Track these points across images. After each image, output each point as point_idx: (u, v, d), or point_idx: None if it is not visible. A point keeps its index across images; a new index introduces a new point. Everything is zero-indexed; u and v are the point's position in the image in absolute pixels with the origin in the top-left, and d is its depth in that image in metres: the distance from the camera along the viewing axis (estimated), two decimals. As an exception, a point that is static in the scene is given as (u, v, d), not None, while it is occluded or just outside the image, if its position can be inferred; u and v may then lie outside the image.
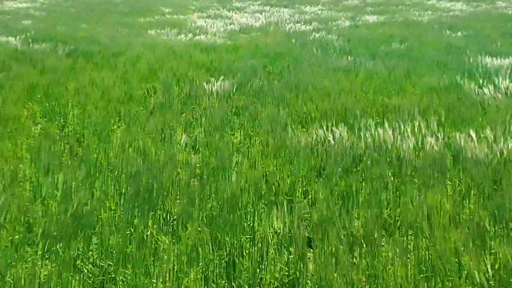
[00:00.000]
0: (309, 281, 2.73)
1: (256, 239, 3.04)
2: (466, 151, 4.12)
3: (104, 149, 4.34)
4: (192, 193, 3.52)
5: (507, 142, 4.20)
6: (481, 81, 6.33)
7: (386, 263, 2.78)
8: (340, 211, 3.30)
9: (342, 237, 2.99)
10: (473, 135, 4.31)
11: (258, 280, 2.75)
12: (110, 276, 2.76)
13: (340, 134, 4.56)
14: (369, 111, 5.38)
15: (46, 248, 2.92)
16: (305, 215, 3.35)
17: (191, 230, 3.10)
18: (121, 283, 2.70)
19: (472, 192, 3.55)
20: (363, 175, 3.87)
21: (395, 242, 2.95)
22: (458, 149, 4.20)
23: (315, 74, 7.24)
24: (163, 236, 3.11)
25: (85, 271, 2.78)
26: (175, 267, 2.76)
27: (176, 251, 2.90)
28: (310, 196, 3.60)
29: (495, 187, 3.61)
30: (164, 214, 3.34)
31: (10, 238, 2.98)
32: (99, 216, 3.26)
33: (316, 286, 2.67)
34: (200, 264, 2.82)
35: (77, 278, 2.70)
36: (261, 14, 16.72)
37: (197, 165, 4.13)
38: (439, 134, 4.56)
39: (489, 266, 2.72)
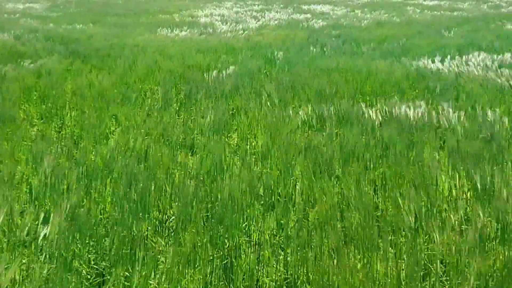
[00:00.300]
0: (307, 283, 2.73)
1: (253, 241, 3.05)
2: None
3: (101, 150, 4.33)
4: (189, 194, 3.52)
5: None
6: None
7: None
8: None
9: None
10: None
11: (256, 282, 2.75)
12: (106, 277, 2.75)
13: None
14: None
15: (42, 249, 2.91)
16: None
17: (188, 232, 3.09)
18: (117, 284, 2.69)
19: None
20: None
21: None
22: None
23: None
24: (159, 238, 3.11)
25: (82, 272, 2.78)
26: (173, 268, 2.76)
27: (173, 253, 2.89)
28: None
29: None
30: (160, 215, 3.34)
31: (6, 240, 2.97)
32: (95, 217, 3.26)
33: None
34: (198, 266, 2.82)
35: (74, 280, 2.69)
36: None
37: (194, 166, 4.12)
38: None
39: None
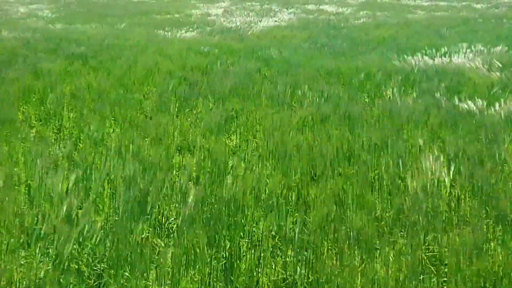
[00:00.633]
0: (306, 284, 2.73)
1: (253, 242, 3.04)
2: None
3: (100, 152, 4.33)
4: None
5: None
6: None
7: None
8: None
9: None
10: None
11: (255, 283, 2.75)
12: (106, 279, 2.74)
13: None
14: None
15: (41, 251, 2.90)
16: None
17: (188, 233, 3.08)
18: (117, 286, 2.69)
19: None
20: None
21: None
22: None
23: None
24: (158, 239, 3.10)
25: (81, 274, 2.77)
26: (172, 269, 2.75)
27: (172, 254, 2.89)
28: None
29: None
30: (160, 217, 3.33)
31: (6, 241, 2.96)
32: (94, 219, 3.25)
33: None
34: (197, 266, 2.81)
35: (73, 281, 2.68)
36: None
37: (193, 168, 4.12)
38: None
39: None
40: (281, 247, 3.02)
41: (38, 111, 5.62)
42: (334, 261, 2.82)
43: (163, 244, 3.06)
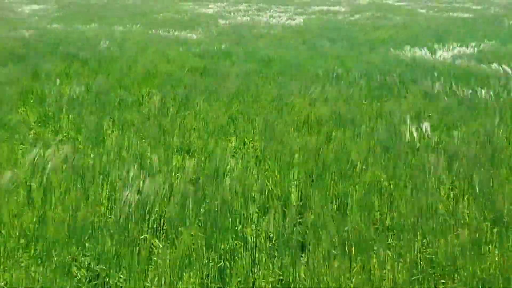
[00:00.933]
0: (301, 286, 2.74)
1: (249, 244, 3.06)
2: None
3: (98, 153, 4.34)
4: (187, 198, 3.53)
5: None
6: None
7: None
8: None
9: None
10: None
11: (251, 285, 2.76)
12: (104, 280, 2.76)
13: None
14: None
15: (40, 253, 2.92)
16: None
17: (185, 235, 3.10)
18: (115, 287, 2.70)
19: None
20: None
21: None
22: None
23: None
24: (157, 241, 3.11)
25: (79, 275, 2.78)
26: (170, 271, 2.76)
27: (170, 255, 2.90)
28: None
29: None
30: (158, 218, 3.34)
31: (4, 243, 2.97)
32: (93, 221, 3.26)
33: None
34: (194, 268, 2.83)
35: (71, 283, 2.70)
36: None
37: (192, 170, 4.12)
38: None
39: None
40: (278, 249, 3.02)
41: (36, 113, 5.63)
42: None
43: (161, 246, 3.07)
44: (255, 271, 2.84)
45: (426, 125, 4.85)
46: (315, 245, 2.93)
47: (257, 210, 3.46)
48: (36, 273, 2.73)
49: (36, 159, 4.04)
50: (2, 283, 2.69)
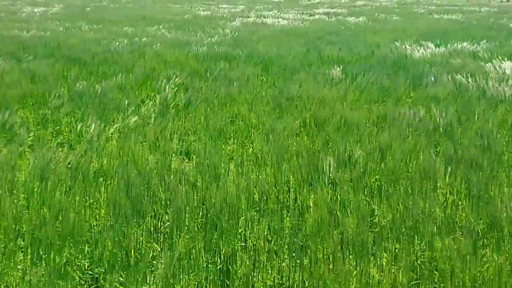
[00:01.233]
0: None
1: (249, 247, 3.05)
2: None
3: (97, 157, 4.34)
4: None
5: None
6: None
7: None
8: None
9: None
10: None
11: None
12: (101, 283, 2.75)
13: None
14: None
15: (37, 255, 2.91)
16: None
17: (183, 238, 3.09)
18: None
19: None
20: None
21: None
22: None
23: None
24: (154, 244, 3.11)
25: (77, 278, 2.78)
26: (168, 274, 2.76)
27: (168, 258, 2.89)
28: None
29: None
30: (155, 221, 3.34)
31: (3, 245, 2.96)
32: (91, 223, 3.26)
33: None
34: (193, 271, 2.82)
35: (68, 285, 2.69)
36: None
37: (191, 172, 4.12)
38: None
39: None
40: (277, 251, 3.02)
41: (35, 116, 5.63)
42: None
43: (159, 249, 3.07)
44: (256, 274, 2.84)
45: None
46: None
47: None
48: (33, 275, 2.72)
49: (35, 161, 4.05)
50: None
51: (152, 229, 3.26)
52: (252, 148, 4.82)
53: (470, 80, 7.46)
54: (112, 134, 5.13)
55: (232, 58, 9.62)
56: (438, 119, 5.39)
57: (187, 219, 3.29)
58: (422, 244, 3.05)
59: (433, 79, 7.69)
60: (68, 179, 3.83)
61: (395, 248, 3.02)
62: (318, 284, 2.66)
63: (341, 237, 3.05)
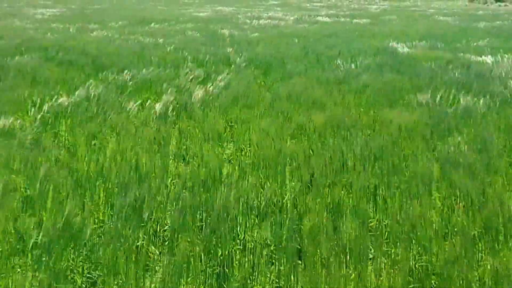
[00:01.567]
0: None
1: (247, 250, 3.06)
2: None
3: (95, 159, 4.34)
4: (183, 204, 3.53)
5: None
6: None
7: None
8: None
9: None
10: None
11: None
12: (100, 286, 2.76)
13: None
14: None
15: (36, 259, 2.92)
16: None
17: (182, 241, 3.10)
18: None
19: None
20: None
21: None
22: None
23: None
24: (153, 247, 3.12)
25: (76, 282, 2.78)
26: (167, 278, 2.77)
27: (167, 262, 2.90)
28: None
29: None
30: (154, 225, 3.35)
31: (1, 249, 2.97)
32: (90, 227, 3.27)
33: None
34: (192, 275, 2.83)
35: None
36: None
37: (188, 176, 4.13)
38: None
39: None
40: (275, 256, 3.03)
41: (33, 119, 5.63)
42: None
43: (158, 252, 3.08)
44: (253, 278, 2.85)
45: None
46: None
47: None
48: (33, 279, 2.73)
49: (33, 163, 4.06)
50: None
51: (152, 232, 3.27)
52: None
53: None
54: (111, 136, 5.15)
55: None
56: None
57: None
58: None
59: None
60: (66, 181, 3.84)
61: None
62: None
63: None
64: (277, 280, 2.84)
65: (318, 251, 2.99)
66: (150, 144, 4.82)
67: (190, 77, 7.95)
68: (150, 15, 19.81)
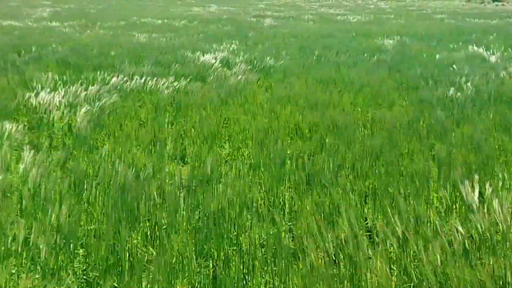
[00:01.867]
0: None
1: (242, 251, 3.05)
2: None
3: (92, 160, 4.33)
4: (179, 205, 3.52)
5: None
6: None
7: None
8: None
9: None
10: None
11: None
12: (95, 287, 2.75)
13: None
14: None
15: (31, 259, 2.91)
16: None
17: (177, 242, 3.09)
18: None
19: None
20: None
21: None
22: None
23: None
24: (150, 248, 3.11)
25: (70, 282, 2.78)
26: (161, 278, 2.76)
27: (162, 262, 2.89)
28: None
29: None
30: (150, 225, 3.34)
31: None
32: (86, 227, 3.25)
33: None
34: (186, 275, 2.82)
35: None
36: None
37: (185, 176, 4.12)
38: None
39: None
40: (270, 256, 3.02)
41: (30, 119, 5.63)
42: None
43: (154, 253, 3.07)
44: (249, 278, 2.84)
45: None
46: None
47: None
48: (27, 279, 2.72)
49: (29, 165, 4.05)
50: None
51: (148, 233, 3.27)
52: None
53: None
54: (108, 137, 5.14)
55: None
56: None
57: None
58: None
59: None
60: (63, 182, 3.83)
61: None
62: None
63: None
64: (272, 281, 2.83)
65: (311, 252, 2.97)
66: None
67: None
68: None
